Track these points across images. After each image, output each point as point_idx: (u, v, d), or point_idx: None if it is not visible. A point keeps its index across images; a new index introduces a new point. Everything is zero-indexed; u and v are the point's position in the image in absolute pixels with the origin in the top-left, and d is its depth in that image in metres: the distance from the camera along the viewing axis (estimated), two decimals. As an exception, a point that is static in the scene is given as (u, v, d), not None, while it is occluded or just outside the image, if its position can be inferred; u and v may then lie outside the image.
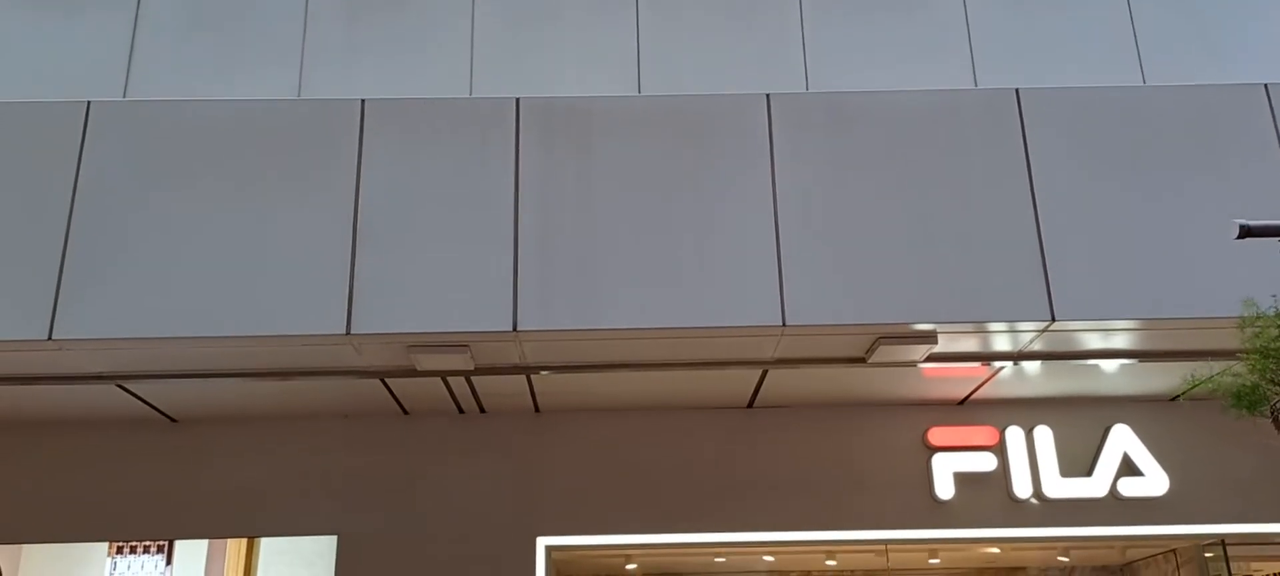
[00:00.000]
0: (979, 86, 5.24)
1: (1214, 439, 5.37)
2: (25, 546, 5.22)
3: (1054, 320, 4.24)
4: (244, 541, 5.24)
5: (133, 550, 5.22)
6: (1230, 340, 4.03)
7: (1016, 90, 4.63)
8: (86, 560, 5.21)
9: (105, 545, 5.23)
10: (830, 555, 6.31)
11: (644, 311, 4.26)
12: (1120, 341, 4.60)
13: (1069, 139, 4.57)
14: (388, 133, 4.51)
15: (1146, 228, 4.40)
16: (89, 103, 4.54)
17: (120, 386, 4.74)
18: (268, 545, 5.25)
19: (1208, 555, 5.69)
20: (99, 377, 4.64)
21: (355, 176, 4.42)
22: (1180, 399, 5.38)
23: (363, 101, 4.56)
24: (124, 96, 5.03)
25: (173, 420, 5.37)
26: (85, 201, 4.36)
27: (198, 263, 4.27)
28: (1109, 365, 4.90)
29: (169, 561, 5.21)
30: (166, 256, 4.28)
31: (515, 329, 4.21)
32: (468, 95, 5.12)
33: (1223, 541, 5.51)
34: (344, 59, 5.23)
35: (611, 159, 4.51)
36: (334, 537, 5.19)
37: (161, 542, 5.23)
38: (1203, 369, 4.72)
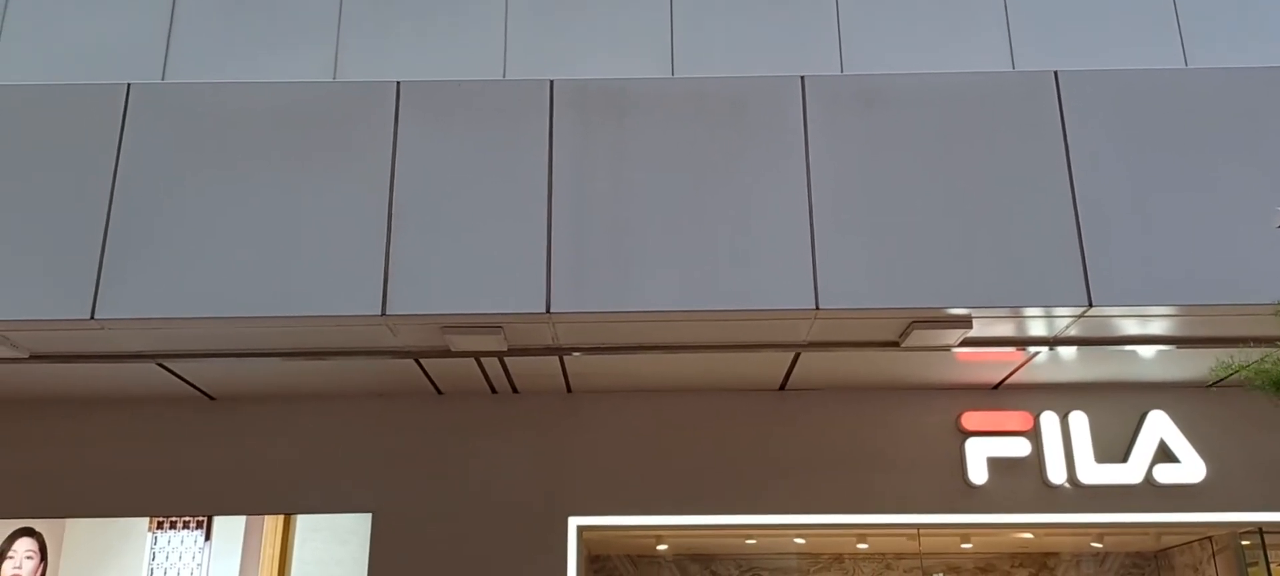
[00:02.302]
0: (1016, 67, 5.16)
1: (1252, 426, 5.31)
2: (68, 520, 5.33)
3: (1091, 305, 4.20)
4: (281, 518, 5.32)
5: (172, 525, 5.31)
6: (1269, 326, 3.99)
7: (1055, 73, 4.57)
8: (128, 534, 5.30)
9: (146, 520, 5.32)
10: (862, 538, 6.31)
11: (677, 294, 4.26)
12: (1157, 327, 4.55)
13: (1108, 122, 4.51)
14: (423, 114, 4.54)
15: (1185, 212, 4.34)
16: (129, 85, 4.60)
17: (160, 365, 4.82)
18: (304, 521, 5.32)
19: (1244, 543, 5.63)
20: (139, 356, 4.72)
21: (391, 158, 4.45)
22: (1215, 386, 5.31)
23: (398, 84, 4.58)
24: (163, 78, 5.08)
25: (211, 398, 5.45)
26: (126, 183, 4.43)
27: (236, 244, 4.33)
28: (1145, 351, 4.85)
29: (208, 537, 5.30)
30: (205, 237, 4.34)
31: (548, 311, 4.23)
32: (501, 77, 5.13)
33: (1260, 529, 5.45)
34: (379, 38, 5.25)
35: (645, 140, 4.50)
36: (369, 515, 5.26)
37: (201, 518, 5.31)
38: (1240, 354, 4.68)
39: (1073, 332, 4.56)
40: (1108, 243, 4.27)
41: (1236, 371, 4.01)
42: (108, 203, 4.38)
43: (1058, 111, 4.50)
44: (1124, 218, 4.32)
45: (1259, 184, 4.35)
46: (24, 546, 5.31)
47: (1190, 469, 5.24)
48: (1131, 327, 4.54)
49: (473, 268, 4.30)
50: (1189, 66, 5.11)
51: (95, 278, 4.26)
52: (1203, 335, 4.63)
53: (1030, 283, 4.24)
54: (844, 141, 4.48)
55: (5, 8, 5.31)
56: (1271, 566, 5.45)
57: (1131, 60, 5.16)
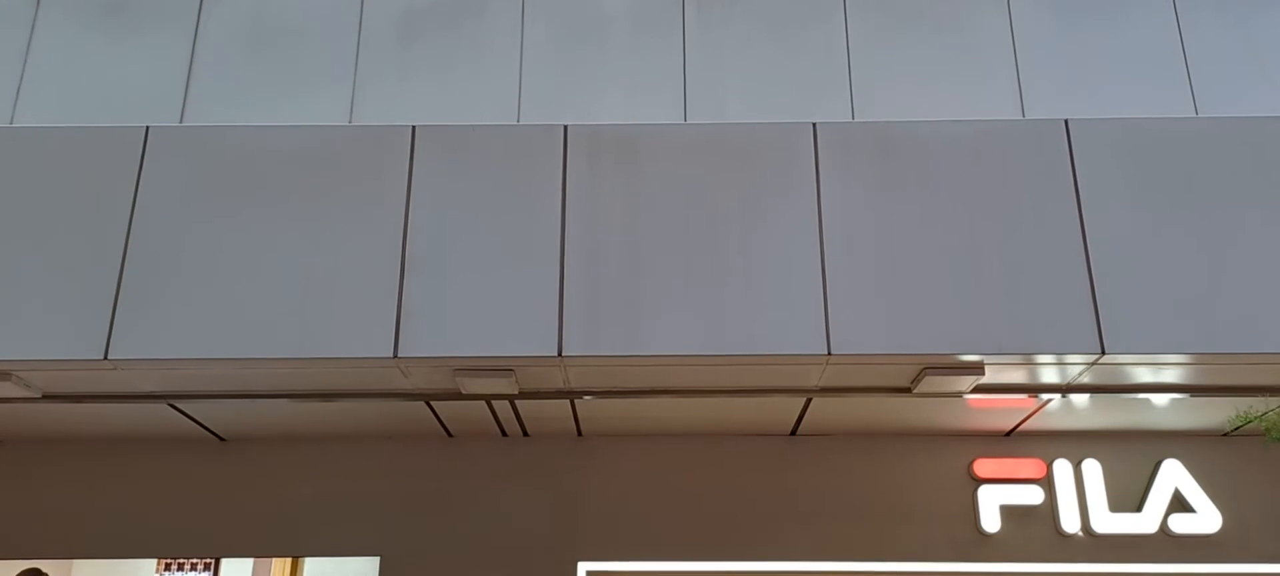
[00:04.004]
0: (1026, 113, 5.20)
1: (1268, 476, 5.27)
2: (76, 560, 5.30)
3: (1104, 353, 4.19)
4: (288, 560, 5.29)
5: (180, 567, 5.29)
6: (1286, 376, 3.97)
7: (1065, 121, 4.59)
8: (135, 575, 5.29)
9: (154, 561, 5.30)
10: (873, 586, 6.23)
11: (689, 338, 4.26)
12: (1171, 375, 4.53)
13: (1119, 170, 4.51)
14: (437, 158, 4.57)
15: (1198, 260, 4.33)
16: (148, 128, 4.65)
17: (172, 405, 4.83)
18: (311, 564, 5.30)
19: (1262, 594, 5.56)
20: (152, 397, 4.73)
21: (405, 201, 4.48)
22: (1232, 434, 5.28)
23: (413, 128, 4.63)
24: (181, 121, 5.14)
25: (222, 439, 5.45)
26: (142, 225, 4.46)
27: (250, 285, 4.35)
28: (1159, 399, 4.82)
29: (216, 578, 5.29)
30: (220, 279, 4.36)
31: (560, 354, 4.23)
32: (516, 121, 5.17)
33: (1278, 581, 5.38)
34: (395, 83, 5.31)
35: (657, 185, 4.53)
36: (376, 559, 5.23)
37: (209, 560, 5.29)
38: (1258, 404, 4.65)
39: (1086, 380, 4.54)
40: (1120, 290, 4.27)
41: (1251, 421, 4.00)
42: (124, 244, 4.41)
43: (1068, 159, 4.51)
44: (1136, 265, 4.31)
45: (1272, 232, 4.35)
46: (31, 587, 5.29)
47: (1206, 519, 5.19)
48: (1145, 375, 4.52)
49: (485, 310, 4.31)
50: (1199, 115, 5.13)
51: (109, 318, 4.28)
52: (1217, 383, 4.60)
53: (1042, 330, 4.23)
54: (855, 188, 4.50)
55: (27, 51, 5.39)
56: (1289, 619, 5.37)
57: (1142, 109, 5.19)
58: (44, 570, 5.30)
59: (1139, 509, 5.23)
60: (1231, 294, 4.26)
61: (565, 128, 4.62)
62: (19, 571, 5.28)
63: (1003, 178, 4.50)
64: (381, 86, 5.29)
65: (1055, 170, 4.50)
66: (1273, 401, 4.71)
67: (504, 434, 5.43)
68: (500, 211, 4.47)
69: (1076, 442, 5.35)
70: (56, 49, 5.43)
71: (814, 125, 4.62)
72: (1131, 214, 4.41)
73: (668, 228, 4.43)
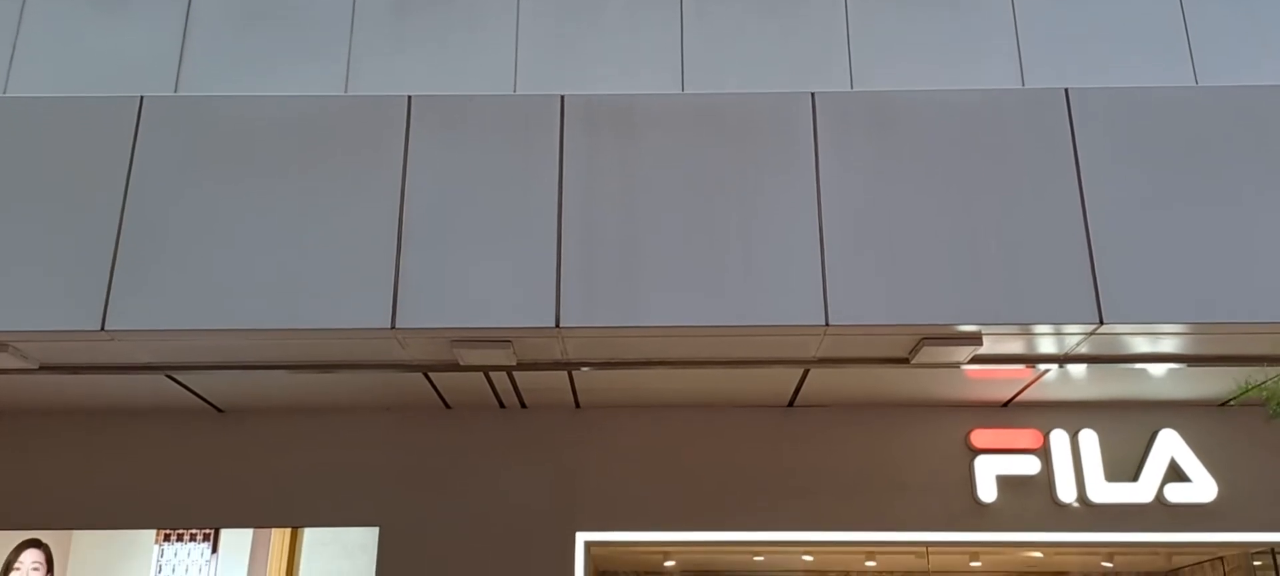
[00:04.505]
0: (1026, 84, 5.17)
1: (1265, 446, 5.29)
2: (74, 532, 5.32)
3: (1102, 323, 4.19)
4: (288, 531, 5.31)
5: (179, 538, 5.31)
6: (1282, 345, 3.98)
7: (1066, 90, 4.57)
8: (134, 546, 5.30)
9: (153, 532, 5.32)
10: (870, 556, 6.27)
11: (686, 309, 4.26)
12: (1169, 345, 4.53)
13: (1119, 139, 4.50)
14: (434, 129, 4.55)
15: (1197, 230, 4.33)
16: (142, 98, 4.62)
17: (169, 376, 4.83)
18: (311, 535, 5.31)
19: (1256, 563, 5.59)
20: (148, 368, 4.72)
21: (401, 172, 4.47)
22: (1231, 404, 5.29)
23: (409, 98, 4.60)
24: (175, 92, 5.10)
25: (220, 410, 5.46)
26: (138, 195, 4.44)
27: (246, 256, 4.34)
28: (1157, 369, 4.83)
29: (215, 549, 5.29)
30: (216, 249, 4.35)
31: (558, 325, 4.23)
32: (512, 92, 5.14)
33: (1272, 549, 5.41)
34: (390, 53, 5.27)
35: (655, 157, 4.51)
36: (376, 529, 5.25)
37: (208, 531, 5.31)
38: (1256, 374, 4.66)
39: (1083, 350, 4.54)
40: (1119, 260, 4.26)
41: (1251, 390, 4.01)
42: (119, 214, 4.40)
43: (1068, 128, 4.50)
44: (1135, 235, 4.31)
45: (1272, 201, 4.34)
46: (30, 557, 5.31)
47: (1202, 488, 5.21)
48: (1143, 345, 4.52)
49: (482, 281, 4.30)
50: (1199, 84, 5.11)
51: (106, 289, 4.27)
52: (1215, 353, 4.61)
53: (1041, 300, 4.23)
54: (854, 158, 4.48)
55: (20, 22, 5.34)
56: (1284, 587, 5.41)
57: (1142, 77, 5.16)
58: (44, 541, 5.31)
59: (1135, 478, 5.25)
60: (1231, 263, 4.26)
61: (562, 98, 4.60)
62: (19, 543, 5.29)
63: (1002, 147, 4.49)
64: (377, 56, 5.26)
65: (1055, 139, 4.49)
66: (1272, 371, 4.71)
67: (502, 406, 5.43)
68: (497, 181, 4.45)
69: (1074, 413, 5.36)
70: (50, 19, 5.38)
71: (812, 95, 4.60)
72: (1131, 183, 4.40)
73: (665, 197, 4.42)
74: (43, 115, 4.62)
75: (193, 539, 5.32)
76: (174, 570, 5.28)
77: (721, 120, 4.57)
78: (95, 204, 4.42)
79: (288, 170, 4.48)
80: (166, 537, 5.33)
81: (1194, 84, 5.11)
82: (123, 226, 4.38)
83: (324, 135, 4.55)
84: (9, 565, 5.28)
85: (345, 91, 5.10)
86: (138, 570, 5.28)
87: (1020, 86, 5.08)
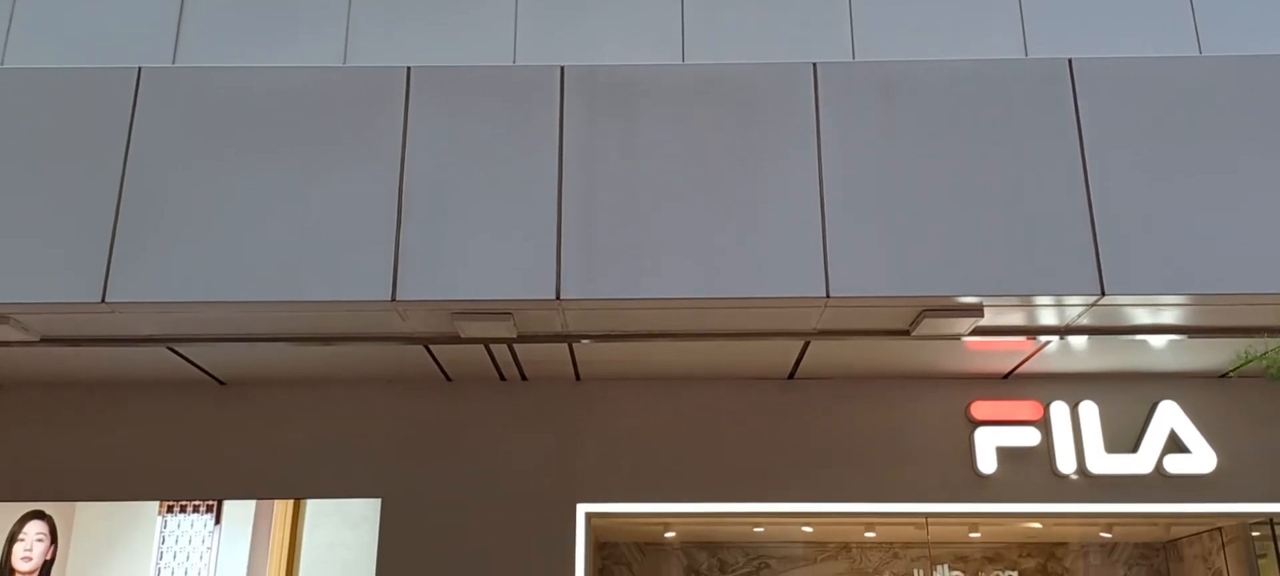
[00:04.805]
0: (1029, 54, 5.13)
1: (1264, 418, 5.30)
2: (78, 503, 5.35)
3: (1104, 294, 4.18)
4: (290, 502, 5.34)
5: (182, 509, 5.33)
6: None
7: (1069, 60, 4.54)
8: (137, 518, 5.33)
9: (156, 504, 5.35)
10: (870, 527, 6.31)
11: (686, 281, 4.25)
12: (1170, 316, 4.53)
13: (1122, 110, 4.48)
14: (433, 100, 4.53)
15: (1200, 201, 4.31)
16: (140, 69, 4.59)
17: (171, 349, 4.83)
18: (313, 506, 5.34)
19: (1254, 534, 5.62)
20: (150, 340, 4.73)
21: (401, 143, 4.45)
22: (1232, 375, 5.29)
23: (409, 69, 4.57)
24: (174, 62, 5.08)
25: (222, 383, 5.47)
26: (137, 166, 4.43)
27: (246, 227, 4.33)
28: (1157, 341, 4.83)
29: (217, 521, 5.32)
30: (215, 221, 4.34)
31: (558, 297, 4.22)
32: (512, 62, 5.11)
33: (1270, 520, 5.44)
34: (389, 23, 5.23)
35: (655, 127, 4.49)
36: (378, 501, 5.27)
37: (211, 503, 5.33)
38: (1257, 344, 4.66)
39: (1084, 322, 4.54)
40: (1121, 231, 4.25)
41: (1251, 361, 4.00)
42: (119, 186, 4.39)
43: (1072, 99, 4.47)
44: (1138, 206, 4.29)
45: (1274, 171, 4.32)
46: (34, 529, 5.34)
47: (1201, 459, 5.22)
48: (1144, 317, 4.52)
49: (482, 253, 4.29)
50: (1203, 54, 5.07)
51: (106, 261, 4.27)
52: (1216, 325, 4.61)
53: (1042, 271, 4.22)
54: (855, 128, 4.46)
55: (16, -9, 5.31)
56: (1282, 557, 5.44)
57: (1145, 48, 5.12)
58: (47, 513, 5.34)
59: (1134, 449, 5.27)
60: (1234, 234, 4.25)
61: (562, 68, 4.57)
62: (22, 514, 5.32)
63: (1005, 117, 4.46)
64: (376, 27, 5.21)
65: (1058, 110, 4.46)
66: (1273, 342, 4.71)
67: (502, 378, 5.44)
68: (497, 152, 4.44)
69: (1074, 385, 5.37)
70: (46, -11, 5.34)
71: (814, 65, 4.57)
72: (1134, 153, 4.38)
73: (666, 169, 4.41)
74: (41, 86, 4.60)
75: (196, 510, 5.35)
76: (177, 541, 5.31)
77: (722, 90, 4.54)
78: (95, 176, 4.40)
79: (287, 141, 4.46)
80: (170, 509, 5.36)
81: (1198, 54, 5.07)
82: (122, 198, 4.37)
83: (323, 106, 4.53)
84: (13, 536, 5.32)
85: (344, 62, 5.06)
86: (141, 541, 5.31)
87: (1023, 56, 5.04)
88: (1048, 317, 4.53)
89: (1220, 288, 4.19)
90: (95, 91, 4.56)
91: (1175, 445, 5.26)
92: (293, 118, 4.51)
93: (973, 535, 6.38)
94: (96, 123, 4.50)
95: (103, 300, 4.22)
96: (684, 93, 4.55)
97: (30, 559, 5.29)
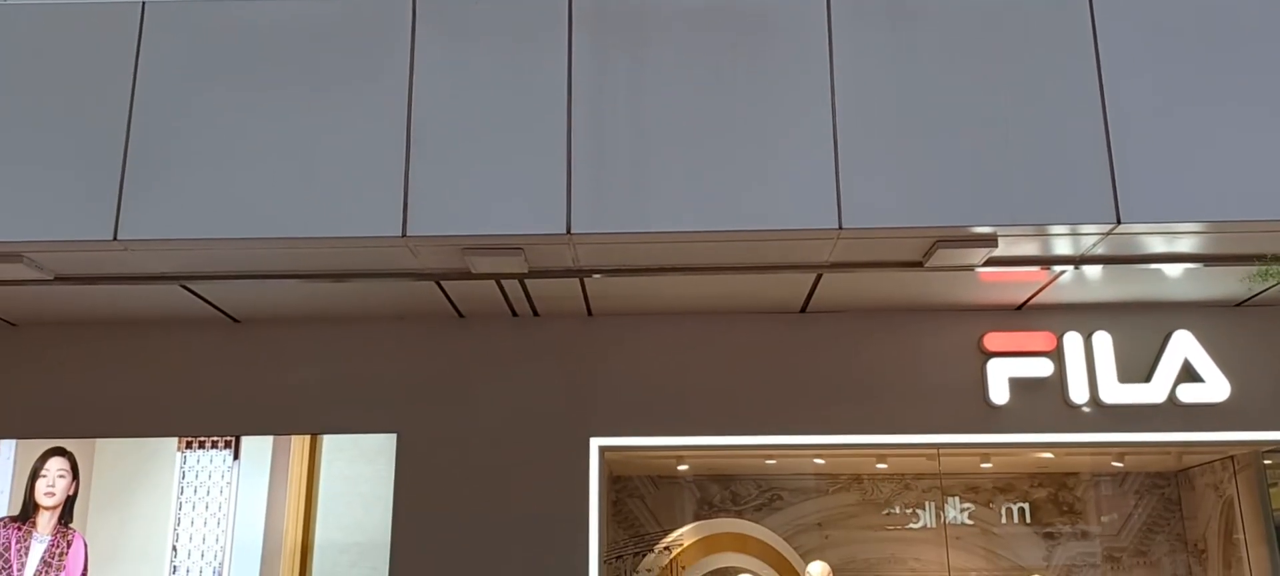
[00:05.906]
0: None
1: (1277, 345, 5.27)
2: (98, 441, 5.42)
3: (1120, 223, 4.14)
4: (307, 437, 5.39)
5: (201, 445, 5.40)
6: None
7: (1087, -17, 4.45)
8: (157, 454, 5.40)
9: (175, 440, 5.41)
10: (881, 459, 6.34)
11: (697, 214, 4.23)
12: (1186, 244, 4.49)
13: (1140, 35, 4.39)
14: (440, 31, 4.48)
15: (1217, 127, 4.25)
16: (144, 3, 4.55)
17: (184, 286, 4.85)
18: (330, 441, 5.40)
19: (1266, 462, 5.63)
20: (164, 278, 4.75)
21: (408, 76, 4.41)
22: (1245, 304, 5.25)
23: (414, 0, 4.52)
24: (178, -2, 5.03)
25: (236, 320, 5.49)
26: (144, 102, 4.42)
27: (255, 164, 4.32)
28: (1172, 270, 4.79)
29: (236, 456, 5.39)
30: (223, 157, 4.34)
31: (569, 232, 4.21)
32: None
33: (1283, 448, 5.44)
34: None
35: (664, 57, 4.44)
36: (393, 435, 5.32)
37: (229, 438, 5.40)
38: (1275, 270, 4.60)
39: (1099, 251, 4.50)
40: (1138, 158, 4.20)
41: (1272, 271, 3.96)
42: (127, 122, 4.37)
43: (1090, 24, 4.39)
44: (1155, 133, 4.23)
45: (1295, 98, 4.25)
46: (56, 465, 5.42)
47: (1214, 388, 5.21)
48: (1159, 245, 4.48)
49: (492, 188, 4.27)
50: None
51: (117, 198, 4.28)
52: (1233, 252, 4.56)
53: (1058, 200, 4.18)
54: (868, 56, 4.39)
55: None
56: (1294, 485, 5.45)
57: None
58: (68, 449, 5.41)
59: (1148, 379, 5.25)
60: (1251, 161, 4.20)
61: (570, -1, 4.51)
62: (43, 451, 5.40)
63: (1021, 42, 4.39)
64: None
65: (1075, 35, 4.38)
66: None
67: (515, 314, 5.45)
68: (505, 86, 4.40)
69: (1087, 315, 5.34)
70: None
71: (827, -9, 4.49)
72: (1152, 80, 4.31)
73: (676, 100, 4.36)
74: (45, 22, 4.57)
75: (215, 446, 5.41)
76: (197, 476, 5.39)
77: (734, 18, 4.47)
78: (102, 112, 4.39)
79: (294, 75, 4.44)
80: (189, 445, 5.42)
81: (1220, -23, 4.95)
82: (130, 134, 4.36)
83: (330, 39, 4.49)
84: (36, 472, 5.40)
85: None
86: (161, 476, 5.38)
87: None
88: (1062, 247, 4.49)
89: (1238, 214, 4.15)
90: (100, 26, 4.53)
91: (1189, 374, 5.24)
92: (299, 51, 4.47)
93: (984, 466, 6.40)
94: (103, 59, 4.48)
95: (114, 237, 4.24)
96: (694, 20, 4.48)
97: (53, 494, 5.38)
